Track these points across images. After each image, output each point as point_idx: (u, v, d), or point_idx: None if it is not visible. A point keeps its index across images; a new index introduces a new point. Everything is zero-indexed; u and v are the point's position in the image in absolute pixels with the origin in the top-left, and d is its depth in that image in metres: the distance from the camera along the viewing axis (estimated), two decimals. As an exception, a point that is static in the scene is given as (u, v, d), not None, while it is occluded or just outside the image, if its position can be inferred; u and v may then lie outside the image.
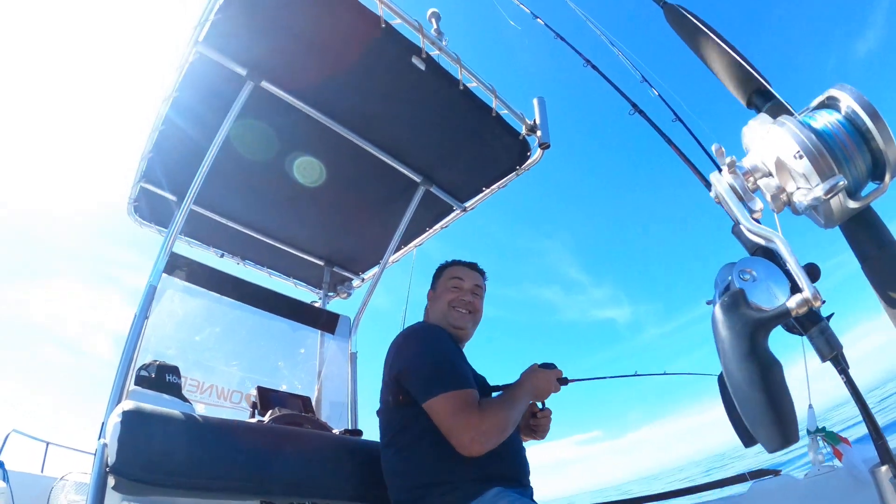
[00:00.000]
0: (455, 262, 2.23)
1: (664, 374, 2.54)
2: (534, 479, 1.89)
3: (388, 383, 1.88)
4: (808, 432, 2.66)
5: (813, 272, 1.08)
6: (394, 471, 1.82)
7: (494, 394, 1.97)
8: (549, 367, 1.94)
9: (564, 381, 1.96)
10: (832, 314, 1.06)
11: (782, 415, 0.72)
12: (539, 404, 2.03)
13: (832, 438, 2.61)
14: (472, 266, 2.21)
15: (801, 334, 0.91)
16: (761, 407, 0.72)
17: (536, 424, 2.06)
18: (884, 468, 0.84)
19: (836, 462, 2.60)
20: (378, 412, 1.95)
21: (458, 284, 2.13)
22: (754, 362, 0.73)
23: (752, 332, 0.74)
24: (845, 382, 0.93)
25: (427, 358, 1.83)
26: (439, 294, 2.13)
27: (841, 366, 0.91)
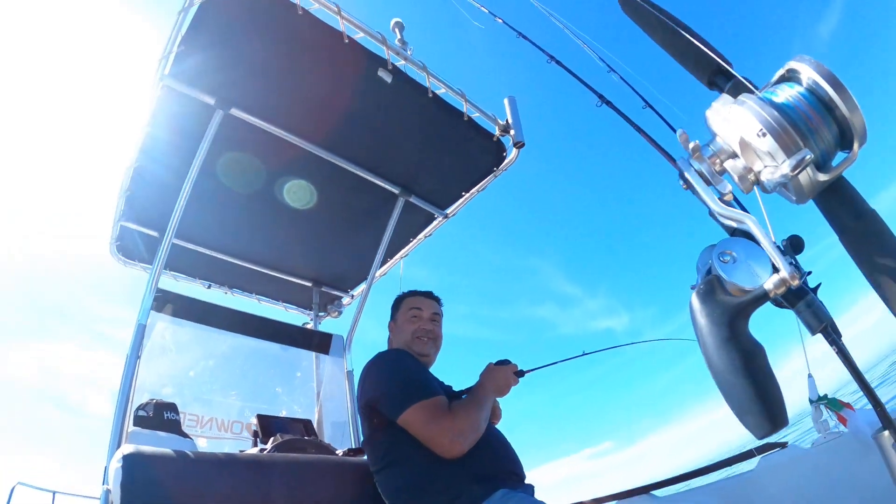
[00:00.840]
0: (412, 293, 2.30)
1: (617, 346, 2.58)
2: (553, 496, 1.92)
3: (363, 412, 1.95)
4: (811, 401, 2.66)
5: (796, 244, 1.08)
6: (394, 490, 1.83)
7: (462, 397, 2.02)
8: (504, 363, 2.05)
9: (521, 374, 2.05)
10: (819, 284, 1.05)
11: (768, 399, 0.71)
12: None
13: (835, 405, 2.61)
14: (429, 295, 2.30)
15: (789, 308, 0.90)
16: (746, 393, 0.71)
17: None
18: (886, 433, 0.83)
19: (842, 428, 2.60)
20: (363, 444, 1.99)
21: (418, 314, 2.21)
22: (735, 349, 0.73)
23: (730, 319, 0.73)
24: (837, 353, 0.92)
25: (393, 378, 1.91)
26: (400, 325, 2.20)
27: (832, 337, 0.91)
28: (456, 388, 2.11)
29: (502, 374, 2.00)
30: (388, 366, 1.99)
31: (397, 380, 1.89)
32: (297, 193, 2.89)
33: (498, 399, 2.06)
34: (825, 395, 2.65)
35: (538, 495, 1.84)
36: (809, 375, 2.66)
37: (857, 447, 2.49)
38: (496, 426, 2.09)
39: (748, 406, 0.72)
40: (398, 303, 2.28)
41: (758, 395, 0.71)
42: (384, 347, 2.25)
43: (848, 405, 2.60)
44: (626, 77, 1.92)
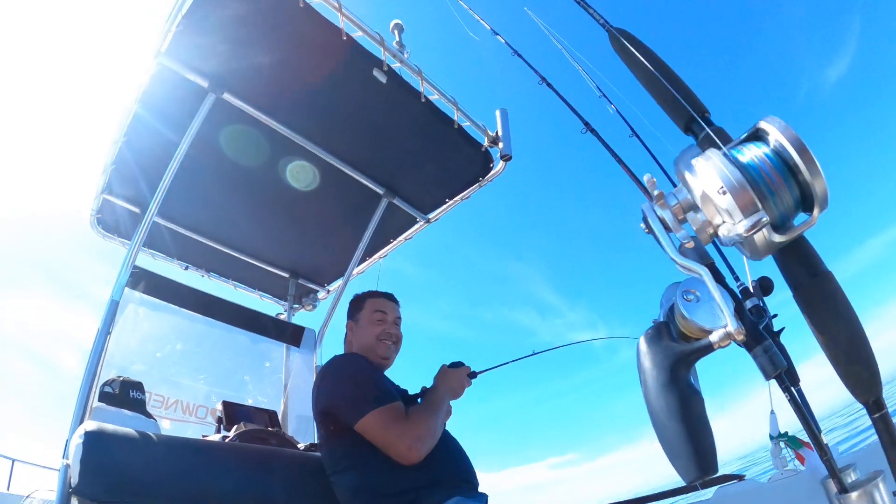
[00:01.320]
0: (373, 294, 2.30)
1: (569, 344, 2.62)
2: (513, 502, 1.94)
3: (319, 418, 1.96)
4: (771, 437, 2.70)
5: (766, 286, 1.10)
6: (349, 493, 1.84)
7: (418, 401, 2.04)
8: (457, 365, 2.09)
9: (474, 375, 2.11)
10: (783, 329, 1.07)
11: (700, 446, 0.73)
12: None
13: (794, 443, 2.65)
14: (391, 297, 2.30)
15: (748, 350, 0.92)
16: (679, 438, 0.73)
17: None
18: (830, 481, 0.86)
19: (799, 466, 2.64)
20: (319, 447, 2.01)
21: (383, 318, 2.20)
22: (673, 393, 0.74)
23: (672, 364, 0.75)
24: (789, 400, 0.94)
25: (348, 384, 1.92)
26: (363, 326, 2.19)
27: (785, 384, 0.93)
28: (412, 391, 2.13)
29: (456, 377, 2.05)
30: (343, 372, 1.99)
31: (353, 386, 1.90)
32: (293, 174, 2.87)
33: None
34: (786, 433, 2.69)
35: (496, 502, 1.87)
36: (772, 412, 2.70)
37: (813, 486, 2.52)
38: (451, 433, 2.10)
39: (679, 450, 0.74)
40: (359, 302, 2.27)
41: (690, 441, 0.73)
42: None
43: (807, 444, 2.64)
44: (618, 104, 1.94)
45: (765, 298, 1.09)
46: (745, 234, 0.72)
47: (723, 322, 0.77)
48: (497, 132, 2.71)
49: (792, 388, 0.96)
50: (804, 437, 2.69)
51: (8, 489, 6.50)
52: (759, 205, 0.74)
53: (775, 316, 1.09)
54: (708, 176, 0.76)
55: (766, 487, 2.73)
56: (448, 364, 2.10)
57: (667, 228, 0.80)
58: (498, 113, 2.74)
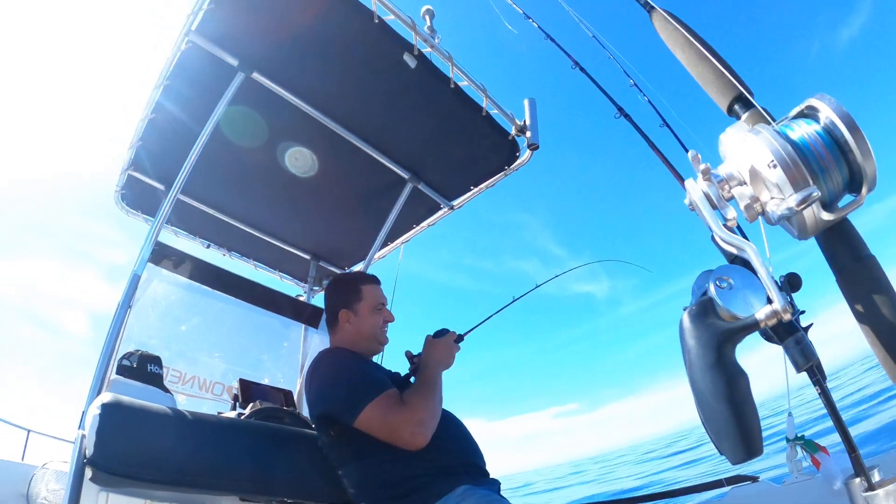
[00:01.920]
0: (365, 280, 2.24)
1: (546, 282, 2.62)
2: (512, 452, 1.92)
3: (318, 423, 1.95)
4: (787, 440, 2.66)
5: (794, 282, 1.08)
6: (357, 485, 1.83)
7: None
8: (441, 333, 2.08)
9: (460, 338, 2.11)
10: (811, 324, 1.06)
11: (746, 427, 0.72)
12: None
13: (810, 447, 2.60)
14: (379, 282, 2.27)
15: (778, 343, 0.91)
16: (725, 418, 0.72)
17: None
18: (857, 480, 0.84)
19: (815, 470, 2.61)
20: (321, 446, 1.98)
21: (381, 308, 2.19)
22: (720, 373, 0.73)
23: (719, 343, 0.74)
24: (819, 394, 0.93)
25: (339, 384, 1.88)
26: (364, 317, 2.14)
27: (816, 377, 0.91)
28: (402, 374, 2.13)
29: (444, 346, 2.02)
30: (331, 373, 1.95)
31: (344, 385, 1.86)
32: (307, 163, 2.88)
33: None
34: (802, 436, 2.65)
35: (498, 448, 1.85)
36: (790, 413, 2.66)
37: (827, 492, 2.49)
38: (455, 415, 2.08)
39: (726, 431, 0.72)
40: (357, 290, 2.19)
41: (736, 422, 0.72)
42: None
43: (823, 449, 2.60)
44: (648, 94, 1.93)
45: (793, 295, 1.07)
46: (797, 208, 0.71)
47: (762, 304, 0.76)
48: (525, 121, 2.70)
49: (822, 383, 0.95)
50: (820, 441, 2.66)
51: (22, 459, 6.58)
52: (810, 180, 0.73)
53: (803, 312, 1.08)
54: (758, 150, 0.75)
55: (780, 490, 2.69)
56: (432, 334, 2.07)
57: (712, 205, 0.79)
58: (526, 102, 2.73)
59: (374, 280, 2.26)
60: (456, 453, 1.84)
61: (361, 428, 1.75)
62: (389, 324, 2.20)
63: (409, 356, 2.14)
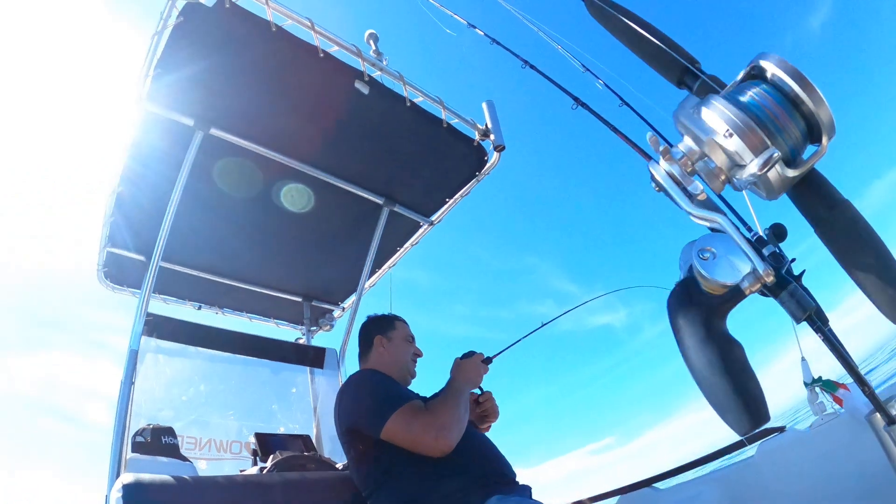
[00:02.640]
0: (399, 319, 2.32)
1: (575, 308, 2.54)
2: (555, 495, 1.91)
3: (345, 439, 1.93)
4: (805, 384, 2.67)
5: (779, 233, 1.08)
6: None
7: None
8: (469, 355, 2.06)
9: (489, 360, 2.08)
10: (804, 271, 1.06)
11: (748, 396, 0.72)
12: (477, 390, 2.14)
13: (829, 386, 2.61)
14: (407, 323, 2.34)
15: (773, 297, 0.91)
16: (725, 391, 0.72)
17: (484, 410, 2.17)
18: (877, 415, 0.84)
19: (838, 408, 2.61)
20: (350, 471, 1.97)
21: (412, 341, 2.26)
22: (713, 347, 0.73)
23: (706, 318, 0.74)
24: (823, 340, 0.93)
25: (365, 398, 1.89)
26: (398, 345, 2.21)
27: (817, 324, 0.91)
28: (429, 396, 2.09)
29: (471, 366, 2.02)
30: (359, 388, 1.97)
31: (370, 398, 1.88)
32: (290, 199, 2.88)
33: (493, 398, 2.10)
34: (819, 378, 2.66)
35: (539, 495, 1.84)
36: (803, 359, 2.66)
37: (854, 426, 2.50)
38: (486, 432, 2.09)
39: (728, 404, 0.72)
40: (390, 321, 2.28)
41: (737, 393, 0.71)
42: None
43: (842, 385, 2.61)
44: (603, 76, 1.93)
45: (780, 245, 1.07)
46: (759, 172, 0.71)
47: (747, 268, 0.76)
48: (487, 124, 2.71)
49: (824, 329, 0.94)
50: (838, 379, 2.66)
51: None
52: (768, 141, 0.73)
53: (794, 260, 1.08)
54: (712, 122, 0.75)
55: (808, 435, 2.70)
56: (460, 356, 2.07)
57: (676, 183, 0.78)
58: (485, 105, 2.73)
59: (404, 320, 2.33)
60: (482, 468, 1.81)
61: (387, 438, 1.73)
62: (419, 358, 2.25)
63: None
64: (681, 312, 0.76)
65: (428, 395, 2.12)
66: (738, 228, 0.74)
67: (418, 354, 2.25)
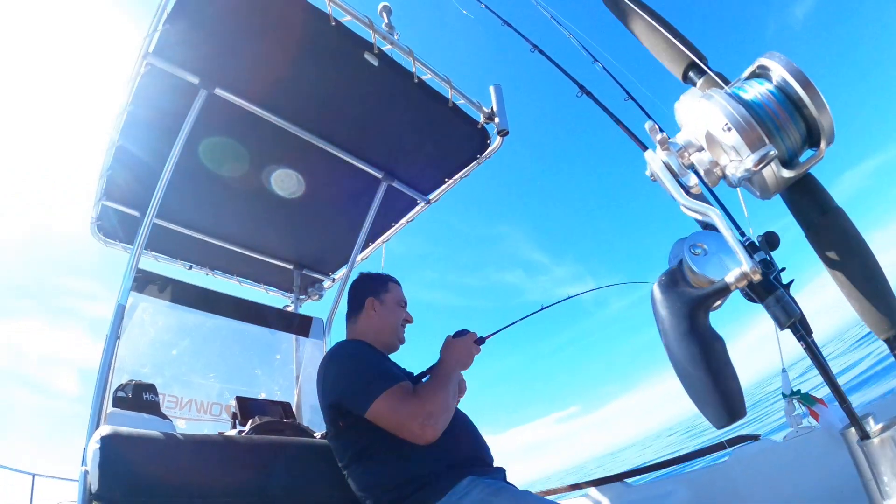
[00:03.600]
0: (393, 280, 2.26)
1: (574, 296, 2.52)
2: (518, 462, 1.91)
3: (327, 413, 1.91)
4: (783, 395, 2.69)
5: (772, 241, 1.09)
6: (363, 485, 1.82)
7: (424, 380, 1.96)
8: (462, 333, 2.00)
9: (481, 341, 2.02)
10: (792, 281, 1.06)
11: (727, 391, 0.72)
12: None
13: (807, 400, 2.64)
14: (401, 285, 2.29)
15: (758, 303, 0.91)
16: (705, 385, 0.72)
17: None
18: (852, 430, 0.85)
19: (814, 422, 2.64)
20: (328, 439, 1.96)
21: (404, 306, 2.21)
22: (695, 340, 0.73)
23: (691, 311, 0.74)
24: (805, 349, 0.94)
25: (352, 374, 1.86)
26: (389, 308, 2.16)
27: (800, 332, 0.92)
28: (416, 372, 2.08)
29: (463, 346, 1.96)
30: (346, 362, 1.94)
31: (357, 374, 1.84)
32: (282, 178, 2.88)
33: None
34: (798, 390, 2.68)
35: (505, 462, 1.84)
36: (783, 369, 2.69)
37: (828, 442, 2.53)
38: (462, 410, 2.05)
39: (707, 397, 0.73)
40: (385, 283, 2.22)
41: (716, 387, 0.72)
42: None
43: (820, 400, 2.64)
44: (610, 68, 1.93)
45: (772, 253, 1.08)
46: (754, 169, 0.72)
47: (736, 264, 0.77)
48: (492, 108, 2.71)
49: (807, 338, 0.95)
50: (816, 393, 2.69)
51: (31, 503, 6.55)
52: (766, 139, 0.73)
53: (783, 269, 1.09)
54: (712, 115, 0.75)
55: (782, 445, 2.73)
56: (452, 334, 2.01)
57: (672, 174, 0.79)
58: (492, 89, 2.73)
59: (397, 282, 2.27)
60: (464, 449, 1.82)
61: (372, 419, 1.72)
62: (408, 325, 2.21)
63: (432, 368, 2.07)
64: (666, 302, 0.77)
65: (413, 372, 2.12)
66: (728, 224, 0.74)
67: (409, 321, 2.20)
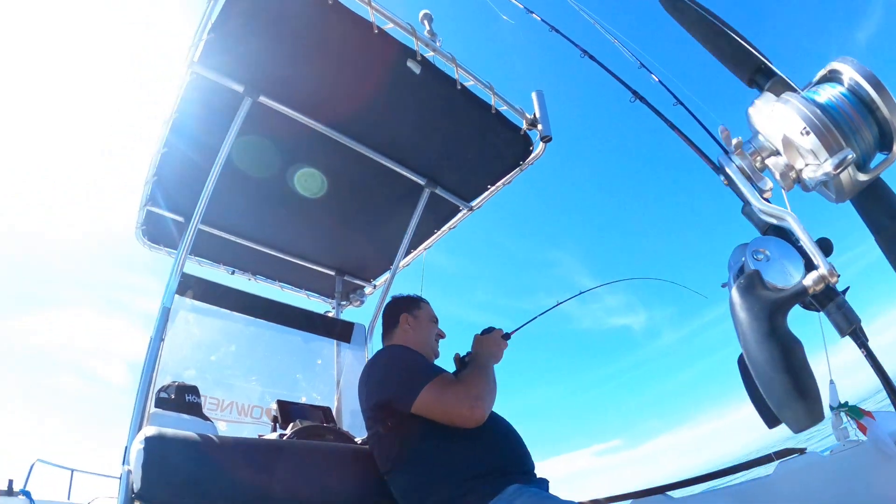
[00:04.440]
0: (423, 300, 2.36)
1: (591, 289, 2.64)
2: (561, 491, 1.91)
3: (373, 414, 1.92)
4: (831, 408, 2.63)
5: (826, 247, 1.07)
6: (405, 489, 1.82)
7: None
8: (489, 331, 2.14)
9: (508, 336, 2.15)
10: (847, 288, 1.05)
11: (806, 394, 0.71)
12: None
13: (855, 413, 2.58)
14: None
15: (817, 310, 0.90)
16: (785, 387, 0.72)
17: None
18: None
19: (861, 436, 2.57)
20: (370, 444, 1.98)
21: (436, 322, 2.32)
22: (775, 343, 0.73)
23: (770, 313, 0.74)
24: (865, 356, 0.92)
25: (396, 372, 1.90)
26: (424, 324, 2.26)
27: (860, 339, 0.90)
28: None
29: (492, 341, 2.08)
30: (389, 363, 1.99)
31: (402, 372, 1.89)
32: (321, 183, 2.91)
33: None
34: (846, 403, 2.62)
35: (552, 489, 1.84)
36: (831, 381, 2.63)
37: (876, 456, 2.46)
38: (506, 419, 2.06)
39: (786, 400, 0.72)
40: (416, 302, 2.33)
41: (796, 389, 0.71)
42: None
43: (868, 413, 2.57)
44: (658, 74, 1.91)
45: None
46: (834, 172, 0.71)
47: (799, 273, 0.76)
48: (535, 114, 2.70)
49: (866, 344, 0.93)
50: (864, 406, 2.62)
51: (68, 498, 6.68)
52: (843, 143, 0.72)
53: (839, 276, 1.07)
54: (789, 118, 0.74)
55: (828, 459, 2.66)
56: (480, 332, 2.13)
57: (747, 178, 0.78)
58: (534, 95, 2.73)
59: (428, 301, 2.37)
60: (507, 455, 1.82)
61: (419, 411, 1.74)
62: (441, 340, 2.29)
63: (457, 358, 2.16)
64: (745, 306, 0.76)
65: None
66: (804, 227, 0.73)
67: (441, 335, 2.29)
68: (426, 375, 1.81)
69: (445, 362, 2.27)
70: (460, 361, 2.14)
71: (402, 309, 2.27)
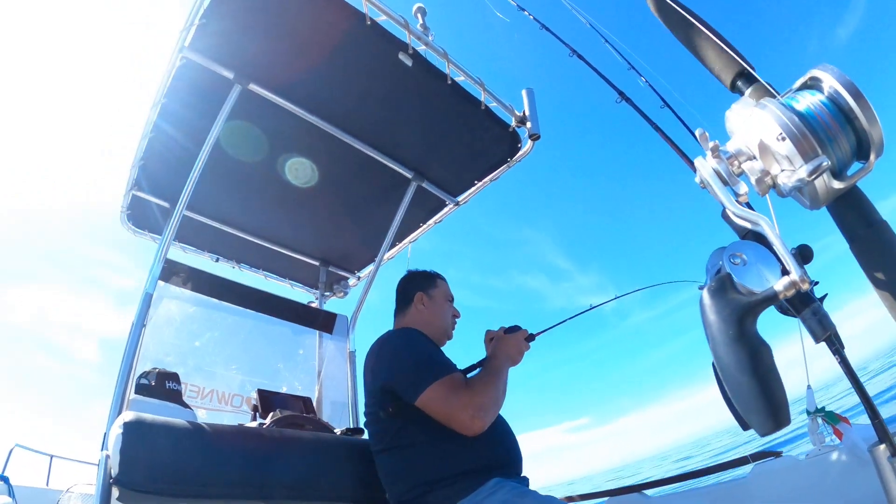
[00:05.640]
0: (440, 277, 2.30)
1: (627, 294, 2.52)
2: (525, 467, 1.92)
3: (373, 394, 1.91)
4: (808, 413, 2.66)
5: (805, 254, 1.08)
6: (392, 473, 1.83)
7: (472, 374, 1.95)
8: (513, 330, 2.03)
9: (532, 338, 2.03)
10: (826, 295, 1.05)
11: (773, 398, 0.72)
12: None
13: (832, 418, 2.61)
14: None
15: (794, 316, 0.91)
16: (751, 391, 0.72)
17: None
18: (882, 447, 0.84)
19: (837, 441, 2.61)
20: (366, 423, 1.97)
21: (452, 301, 2.26)
22: (743, 346, 0.73)
23: (739, 317, 0.74)
24: (840, 363, 0.93)
25: (407, 360, 1.87)
26: (439, 303, 2.20)
27: (835, 346, 0.91)
28: (461, 366, 2.05)
29: (514, 343, 1.97)
30: (401, 347, 1.95)
31: (412, 361, 1.85)
32: (309, 173, 2.90)
33: None
34: (823, 408, 2.65)
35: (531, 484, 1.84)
36: (808, 386, 2.66)
37: (851, 461, 2.50)
38: (503, 416, 2.09)
39: (753, 404, 0.73)
40: (432, 279, 2.27)
41: (762, 394, 0.72)
42: (389, 328, 2.20)
43: (844, 419, 2.61)
44: (646, 76, 1.92)
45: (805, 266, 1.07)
46: (808, 179, 0.71)
47: (776, 278, 0.76)
48: (524, 112, 2.70)
49: (841, 351, 0.94)
50: (840, 412, 2.66)
51: (47, 485, 6.65)
52: (819, 150, 0.73)
53: (817, 283, 1.08)
54: (766, 124, 0.75)
55: (804, 463, 2.70)
56: (505, 329, 2.04)
57: (723, 181, 0.79)
58: (524, 93, 2.74)
59: (445, 279, 2.31)
60: (501, 456, 1.82)
61: (422, 406, 1.73)
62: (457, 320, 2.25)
63: (489, 336, 2.07)
64: (715, 308, 0.76)
65: (458, 364, 2.13)
66: (777, 233, 0.74)
67: (457, 316, 2.24)
68: (436, 371, 1.78)
69: (456, 347, 2.26)
70: (489, 344, 2.04)
71: (417, 286, 2.22)
